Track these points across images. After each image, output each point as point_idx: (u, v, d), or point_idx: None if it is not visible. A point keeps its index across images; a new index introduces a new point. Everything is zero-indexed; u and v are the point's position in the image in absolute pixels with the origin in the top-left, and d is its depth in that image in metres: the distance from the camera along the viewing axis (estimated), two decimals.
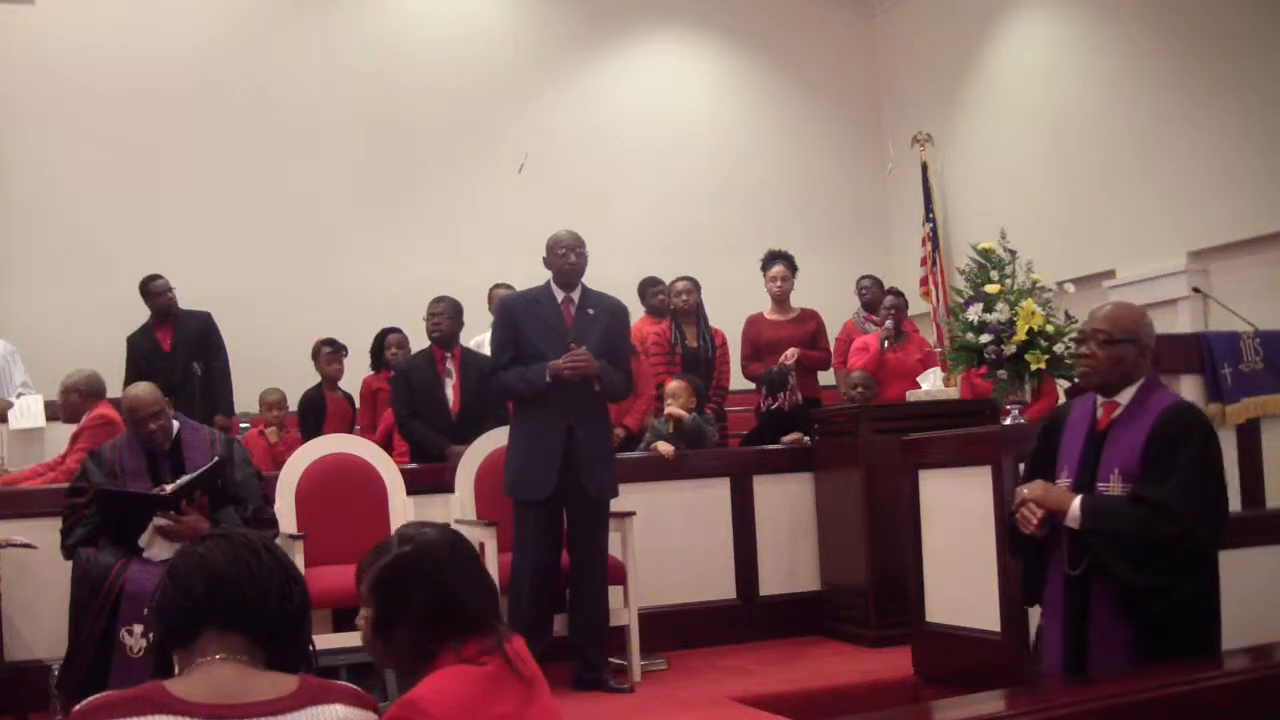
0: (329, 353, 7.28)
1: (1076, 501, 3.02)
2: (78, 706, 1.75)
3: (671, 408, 6.12)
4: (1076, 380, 4.67)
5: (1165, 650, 2.95)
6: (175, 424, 4.80)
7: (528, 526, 4.91)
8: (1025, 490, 3.13)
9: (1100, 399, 3.20)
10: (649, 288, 7.48)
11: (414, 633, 1.98)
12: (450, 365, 6.11)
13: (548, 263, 5.10)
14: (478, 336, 7.16)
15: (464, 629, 1.99)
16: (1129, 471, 3.03)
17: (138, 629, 4.26)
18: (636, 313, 7.12)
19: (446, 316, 6.13)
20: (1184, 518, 2.91)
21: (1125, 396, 3.15)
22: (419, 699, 1.88)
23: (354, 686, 1.87)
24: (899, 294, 7.34)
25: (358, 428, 7.19)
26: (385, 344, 7.30)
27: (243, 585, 1.80)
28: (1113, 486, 3.05)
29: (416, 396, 6.02)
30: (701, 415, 6.23)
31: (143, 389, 4.81)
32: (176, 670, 1.79)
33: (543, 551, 4.88)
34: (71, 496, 4.72)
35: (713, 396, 6.83)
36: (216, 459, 4.60)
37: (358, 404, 7.37)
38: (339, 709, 1.78)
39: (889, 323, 6.94)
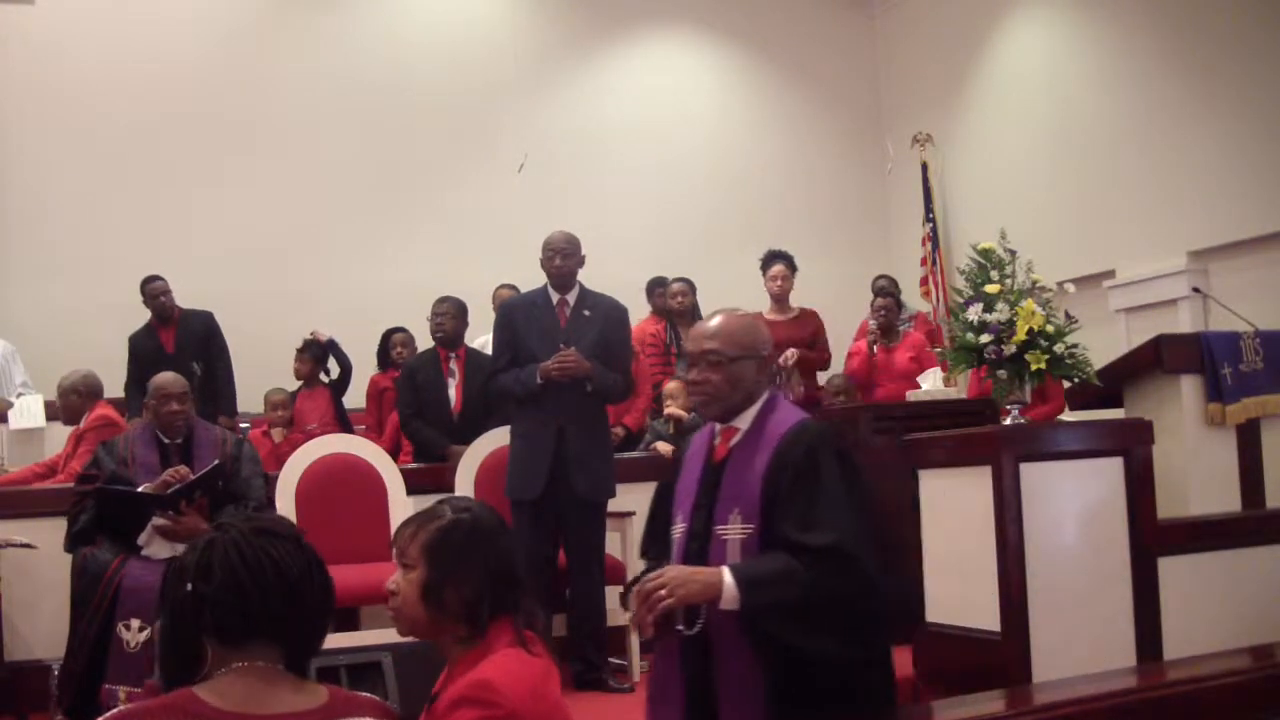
0: (297, 351, 7.30)
1: (728, 578, 2.42)
2: (105, 716, 1.70)
3: (671, 408, 6.13)
4: (1078, 380, 4.69)
5: (807, 699, 2.47)
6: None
7: (520, 526, 4.92)
8: (662, 591, 2.40)
9: (719, 426, 2.77)
10: (656, 287, 7.47)
11: (471, 598, 1.97)
12: (454, 365, 6.12)
13: (541, 265, 5.12)
14: (481, 338, 7.17)
15: (516, 601, 1.99)
16: (749, 509, 2.56)
17: (135, 623, 4.27)
18: (642, 312, 7.12)
19: (450, 316, 6.14)
20: (855, 562, 2.44)
21: (745, 420, 2.71)
22: (494, 680, 1.85)
23: (380, 700, 1.84)
24: (890, 294, 7.33)
25: (363, 427, 7.19)
26: (390, 343, 7.31)
27: (307, 603, 1.76)
28: (731, 529, 2.57)
29: (420, 396, 6.04)
30: (699, 415, 6.23)
31: (169, 374, 4.94)
32: (207, 664, 1.74)
33: (534, 551, 4.88)
34: (81, 484, 4.74)
35: None
36: (216, 463, 4.61)
37: (364, 403, 7.38)
38: None
39: (873, 323, 6.96)
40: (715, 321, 2.75)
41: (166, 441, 4.78)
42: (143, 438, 4.79)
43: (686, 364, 2.81)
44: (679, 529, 2.70)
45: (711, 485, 2.67)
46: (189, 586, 1.75)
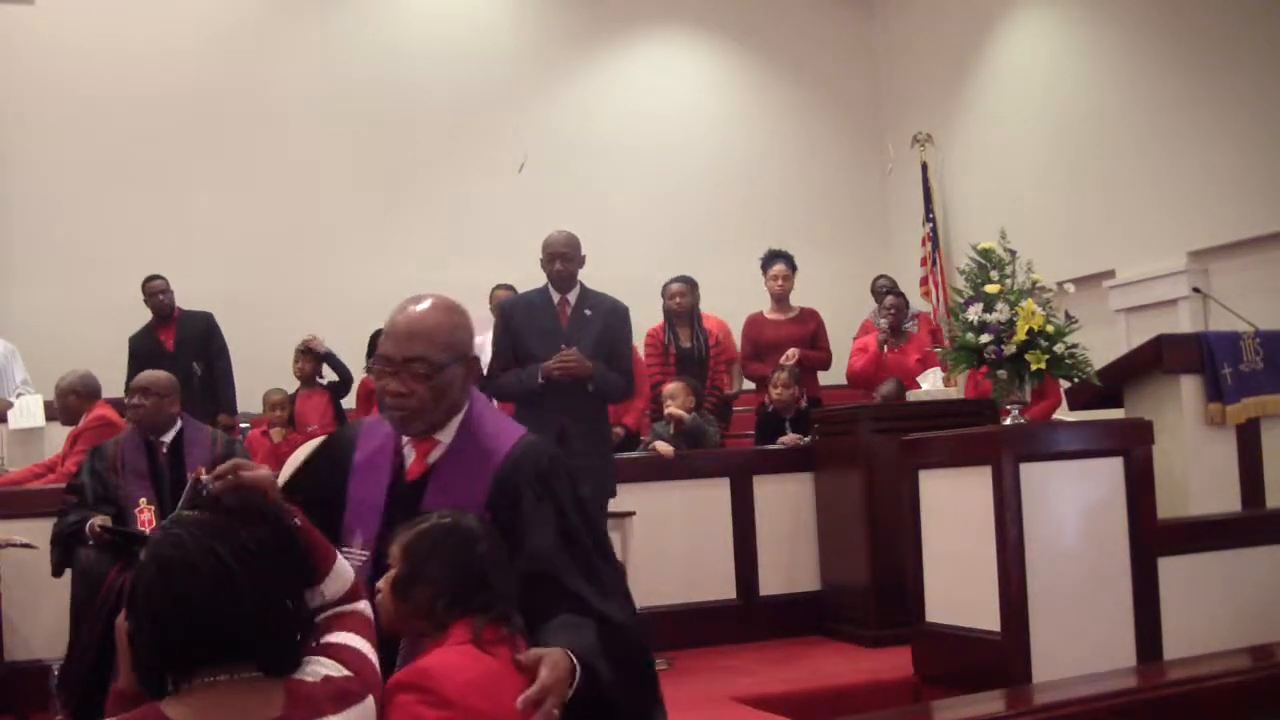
0: (297, 352, 7.30)
1: (575, 663, 1.99)
2: None
3: (671, 408, 6.13)
4: (1078, 380, 4.69)
5: None
6: (179, 422, 4.81)
7: None
8: (555, 711, 1.92)
9: (405, 437, 2.31)
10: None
11: (433, 595, 2.00)
12: None
13: (541, 266, 5.11)
14: (479, 338, 7.15)
15: (483, 606, 2.00)
16: None
17: None
18: (644, 311, 7.11)
19: None
20: (617, 612, 2.19)
21: (448, 433, 2.29)
22: (432, 668, 1.88)
23: (343, 680, 1.78)
24: (900, 294, 7.34)
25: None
26: (378, 344, 7.30)
27: (228, 628, 1.67)
28: None
29: None
30: (699, 415, 6.24)
31: (150, 371, 4.90)
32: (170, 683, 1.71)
33: None
34: (69, 493, 4.73)
35: (707, 396, 6.85)
36: (192, 478, 4.57)
37: (354, 404, 7.37)
38: None
39: (882, 322, 6.96)
40: (421, 319, 2.26)
41: (154, 441, 4.77)
42: (132, 441, 4.76)
43: (375, 365, 2.28)
44: (359, 555, 2.21)
45: (407, 507, 2.19)
46: (123, 618, 1.72)
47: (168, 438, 4.76)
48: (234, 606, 1.67)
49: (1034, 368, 4.46)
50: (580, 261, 5.10)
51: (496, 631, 1.99)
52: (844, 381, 7.56)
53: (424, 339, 2.24)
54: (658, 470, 5.88)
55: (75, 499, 4.67)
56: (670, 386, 6.26)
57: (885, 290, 7.76)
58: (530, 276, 5.55)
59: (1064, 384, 5.20)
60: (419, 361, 2.22)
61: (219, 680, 1.68)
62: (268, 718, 1.68)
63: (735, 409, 7.64)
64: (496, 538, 2.11)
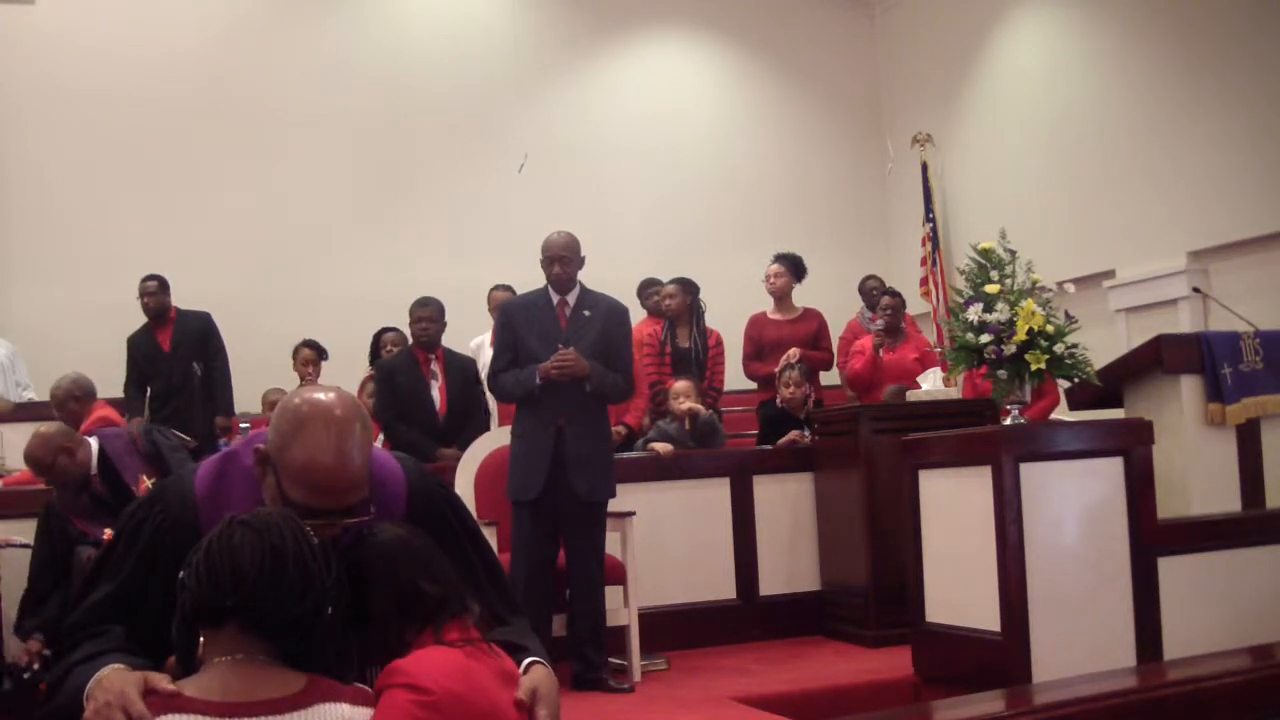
0: (305, 354, 7.28)
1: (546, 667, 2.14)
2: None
3: (686, 404, 6.12)
4: (1078, 380, 4.69)
5: None
6: (94, 443, 4.77)
7: (520, 526, 4.92)
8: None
9: None
10: (645, 289, 7.50)
11: (384, 626, 2.03)
12: (435, 367, 6.12)
13: (541, 267, 5.11)
14: (477, 338, 7.16)
15: (433, 614, 2.03)
16: None
17: None
18: (637, 314, 7.11)
19: (433, 320, 6.17)
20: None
21: None
22: (402, 664, 1.93)
23: (363, 687, 1.88)
24: (895, 294, 7.34)
25: None
26: (381, 343, 7.29)
27: (264, 592, 1.79)
28: None
29: (402, 399, 6.01)
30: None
31: (29, 448, 4.75)
32: (200, 651, 1.81)
33: (534, 551, 4.88)
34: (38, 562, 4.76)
35: (706, 393, 6.84)
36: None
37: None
38: (344, 708, 1.80)
39: (879, 323, 6.97)
40: (348, 461, 2.02)
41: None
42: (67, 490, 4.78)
43: (309, 522, 1.96)
44: None
45: None
46: (182, 572, 1.85)
47: (94, 471, 4.75)
48: (291, 598, 1.79)
49: (1034, 368, 4.46)
50: (579, 263, 5.10)
51: (459, 628, 2.03)
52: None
53: (361, 481, 2.06)
54: (658, 470, 5.88)
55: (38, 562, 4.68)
56: (680, 385, 6.25)
57: (876, 291, 7.76)
58: (530, 277, 5.55)
59: (1063, 384, 5.20)
60: (360, 505, 2.07)
61: (237, 659, 1.78)
62: (289, 691, 1.77)
63: (734, 409, 7.63)
64: (415, 542, 2.10)
